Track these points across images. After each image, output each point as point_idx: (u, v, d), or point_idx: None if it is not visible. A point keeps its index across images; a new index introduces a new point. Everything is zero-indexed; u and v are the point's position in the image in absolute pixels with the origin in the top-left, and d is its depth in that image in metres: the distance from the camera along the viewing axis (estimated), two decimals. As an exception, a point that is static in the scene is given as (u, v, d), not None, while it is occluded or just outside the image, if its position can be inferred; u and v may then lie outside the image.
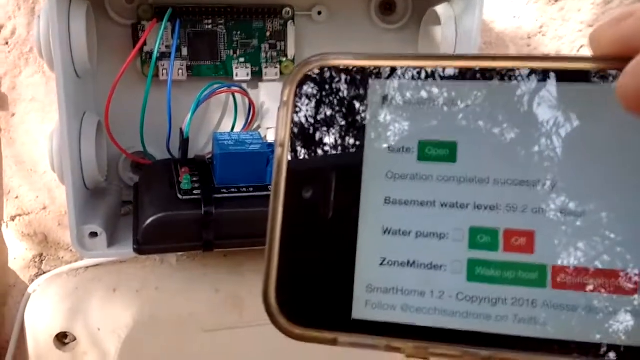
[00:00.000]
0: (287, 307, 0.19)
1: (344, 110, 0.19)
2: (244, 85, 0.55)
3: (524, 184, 0.18)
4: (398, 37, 0.59)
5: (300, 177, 0.19)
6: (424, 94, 0.19)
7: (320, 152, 0.19)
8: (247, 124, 0.56)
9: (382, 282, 0.19)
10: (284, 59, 0.56)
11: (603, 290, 0.17)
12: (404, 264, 0.19)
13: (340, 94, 0.19)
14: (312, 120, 0.19)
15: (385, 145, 0.19)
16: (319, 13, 0.56)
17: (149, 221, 0.45)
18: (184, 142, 0.49)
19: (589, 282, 0.17)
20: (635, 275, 0.17)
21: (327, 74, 0.19)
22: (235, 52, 0.55)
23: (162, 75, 0.53)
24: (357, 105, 0.19)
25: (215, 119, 0.58)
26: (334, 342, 0.18)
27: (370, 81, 0.19)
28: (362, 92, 0.19)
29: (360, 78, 0.19)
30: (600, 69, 0.18)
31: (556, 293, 0.18)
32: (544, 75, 0.18)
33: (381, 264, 0.19)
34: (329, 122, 0.19)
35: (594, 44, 0.18)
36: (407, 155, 0.19)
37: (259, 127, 0.58)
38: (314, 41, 0.58)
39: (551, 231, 0.18)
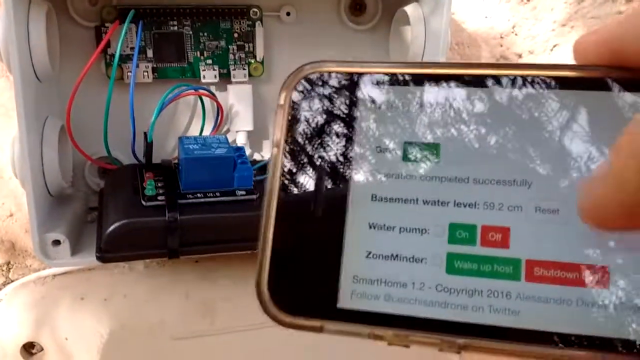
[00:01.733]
0: (278, 296, 0.20)
1: (335, 112, 0.21)
2: (212, 88, 0.54)
3: (501, 183, 0.19)
4: (369, 37, 0.58)
5: (293, 175, 0.20)
6: (410, 98, 0.20)
7: (312, 151, 0.21)
8: (216, 128, 0.55)
9: (367, 273, 0.20)
10: (253, 61, 0.55)
11: (575, 284, 0.18)
12: (388, 257, 0.20)
13: (332, 97, 0.21)
14: (305, 122, 0.21)
15: (373, 146, 0.20)
16: (288, 14, 0.56)
17: (111, 228, 0.44)
18: (148, 146, 0.48)
19: (561, 275, 0.18)
20: (607, 269, 0.18)
21: (321, 80, 0.21)
22: (202, 54, 0.54)
23: (127, 77, 0.52)
24: (348, 108, 0.21)
25: (184, 123, 0.57)
26: (320, 330, 0.19)
27: (359, 86, 0.21)
28: (352, 96, 0.21)
29: (350, 83, 0.21)
30: (579, 77, 0.19)
31: (529, 285, 0.19)
32: (522, 81, 0.19)
33: (367, 256, 0.20)
34: (321, 124, 0.21)
35: (577, 52, 0.18)
36: (393, 156, 0.20)
37: (228, 130, 0.57)
38: (283, 42, 0.57)
39: (526, 228, 0.19)
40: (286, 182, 0.20)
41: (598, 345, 0.18)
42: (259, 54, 0.55)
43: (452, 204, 0.20)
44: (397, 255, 0.20)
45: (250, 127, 0.56)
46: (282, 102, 0.21)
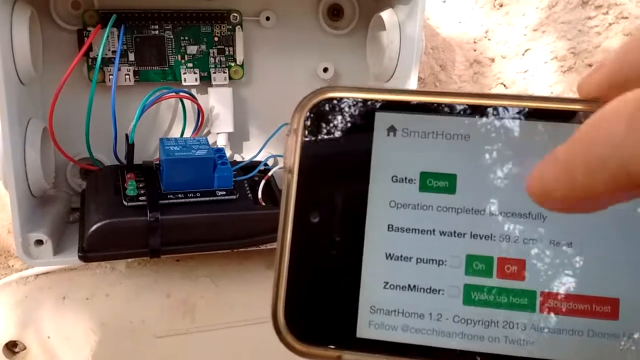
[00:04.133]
0: (295, 325, 0.20)
1: (350, 139, 0.20)
2: (193, 91, 0.55)
3: (517, 215, 0.19)
4: (346, 42, 0.60)
5: (308, 202, 0.20)
6: (426, 127, 0.20)
7: (327, 179, 0.20)
8: (196, 130, 0.56)
9: (385, 304, 0.20)
10: (233, 64, 0.56)
11: (587, 316, 0.19)
12: (405, 287, 0.20)
13: (348, 124, 0.20)
14: (320, 148, 0.20)
15: (389, 175, 0.20)
16: (267, 18, 0.57)
17: (93, 228, 0.44)
18: (129, 147, 0.49)
19: (574, 307, 0.19)
20: (617, 301, 0.19)
21: (336, 105, 0.20)
22: (183, 58, 0.55)
23: (109, 81, 0.53)
24: (363, 135, 0.20)
25: (165, 125, 0.58)
26: None
27: (376, 113, 0.20)
28: (368, 123, 0.20)
29: (367, 110, 0.20)
30: (587, 110, 0.19)
31: (544, 317, 0.19)
32: (538, 113, 0.19)
33: (384, 287, 0.20)
34: (336, 151, 0.20)
35: (580, 90, 0.19)
36: (409, 186, 0.20)
37: (208, 132, 0.58)
38: (262, 46, 0.58)
39: (541, 260, 0.19)
40: (300, 209, 0.20)
41: None
42: (239, 57, 0.56)
43: (469, 235, 0.20)
44: (414, 286, 0.20)
45: (230, 129, 0.57)
46: (295, 125, 0.20)
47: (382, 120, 0.20)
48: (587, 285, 0.19)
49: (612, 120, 0.14)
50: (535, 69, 0.67)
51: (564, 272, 0.19)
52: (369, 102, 0.20)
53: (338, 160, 0.20)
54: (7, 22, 0.45)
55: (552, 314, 0.19)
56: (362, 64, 0.60)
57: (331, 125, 0.20)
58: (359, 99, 0.20)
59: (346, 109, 0.20)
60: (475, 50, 0.66)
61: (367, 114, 0.20)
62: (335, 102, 0.20)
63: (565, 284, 0.19)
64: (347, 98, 0.20)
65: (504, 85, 0.68)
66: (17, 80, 0.47)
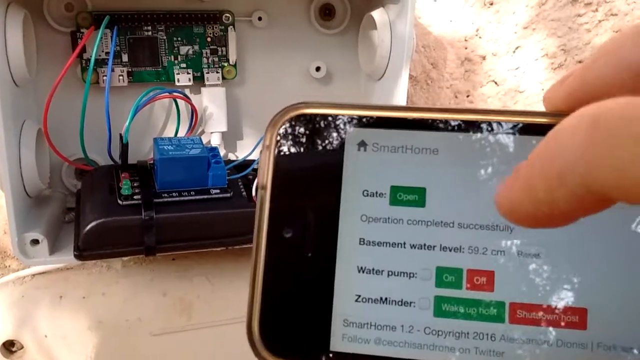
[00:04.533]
0: (270, 340, 0.20)
1: (322, 155, 0.21)
2: (187, 91, 0.56)
3: (485, 227, 0.20)
4: (338, 41, 0.60)
5: (281, 218, 0.21)
6: (396, 142, 0.20)
7: (300, 194, 0.21)
8: (190, 129, 0.56)
9: (357, 317, 0.20)
10: (226, 64, 0.57)
11: (556, 326, 0.19)
12: (377, 300, 0.20)
13: (319, 140, 0.21)
14: (292, 164, 0.21)
15: (360, 190, 0.20)
16: (259, 19, 0.57)
17: (88, 227, 0.45)
18: (124, 147, 0.50)
19: (543, 317, 0.19)
20: (586, 311, 0.19)
21: (307, 121, 0.21)
22: (176, 58, 0.56)
23: (103, 81, 0.53)
24: (335, 150, 0.21)
25: (159, 125, 0.58)
26: None
27: (347, 129, 0.21)
28: (339, 138, 0.21)
29: (337, 125, 0.21)
30: (553, 123, 0.19)
31: (513, 327, 0.19)
32: (504, 127, 0.20)
33: (356, 300, 0.20)
34: (308, 166, 0.21)
35: (546, 102, 0.19)
36: (380, 200, 0.20)
37: (202, 132, 0.58)
38: (255, 46, 0.59)
39: (509, 271, 0.20)
40: (273, 224, 0.20)
41: None
42: (232, 57, 0.57)
43: (439, 248, 0.20)
44: (386, 299, 0.20)
45: (224, 128, 0.57)
46: (267, 142, 0.21)
47: (352, 135, 0.21)
48: (555, 296, 0.19)
49: (568, 136, 0.14)
50: (526, 66, 0.67)
51: (532, 282, 0.19)
52: (340, 118, 0.21)
53: (310, 176, 0.21)
54: (1, 24, 0.45)
55: (522, 325, 0.19)
56: (354, 63, 0.60)
57: (303, 141, 0.21)
58: (330, 115, 0.21)
59: (317, 125, 0.21)
60: (466, 48, 0.66)
61: (338, 129, 0.21)
62: (306, 118, 0.21)
63: (533, 295, 0.19)
64: (318, 114, 0.21)
65: (495, 83, 0.68)
66: (12, 83, 0.47)
